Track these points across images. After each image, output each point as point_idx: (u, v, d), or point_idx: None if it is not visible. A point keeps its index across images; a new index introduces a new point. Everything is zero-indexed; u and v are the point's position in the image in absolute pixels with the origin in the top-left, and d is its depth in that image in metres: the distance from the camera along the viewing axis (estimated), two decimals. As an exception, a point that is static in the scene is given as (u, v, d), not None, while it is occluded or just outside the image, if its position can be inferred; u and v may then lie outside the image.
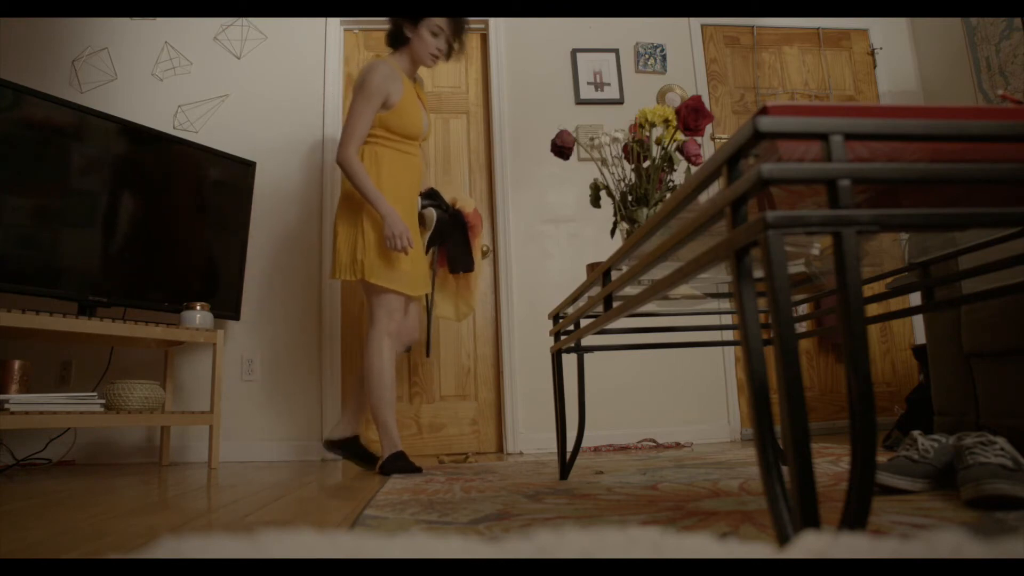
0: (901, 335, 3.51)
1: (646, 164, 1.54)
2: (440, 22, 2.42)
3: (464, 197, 2.68)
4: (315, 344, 3.11)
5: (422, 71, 3.48)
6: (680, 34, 3.59)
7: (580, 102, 3.45)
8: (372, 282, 2.24)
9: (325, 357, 3.09)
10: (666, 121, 1.51)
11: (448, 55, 2.51)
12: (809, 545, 0.45)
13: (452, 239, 2.59)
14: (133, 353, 3.00)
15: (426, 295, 2.58)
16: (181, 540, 0.46)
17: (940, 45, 3.60)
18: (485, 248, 3.31)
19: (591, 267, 1.58)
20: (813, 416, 3.36)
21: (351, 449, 2.40)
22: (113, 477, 2.27)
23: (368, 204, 2.25)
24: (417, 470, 2.14)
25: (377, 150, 2.32)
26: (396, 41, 2.47)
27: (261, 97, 3.30)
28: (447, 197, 2.64)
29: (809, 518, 0.58)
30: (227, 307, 2.91)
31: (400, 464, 2.16)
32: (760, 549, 0.46)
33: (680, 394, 3.22)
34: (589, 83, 3.47)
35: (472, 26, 3.52)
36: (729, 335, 3.12)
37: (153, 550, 0.45)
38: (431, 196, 2.57)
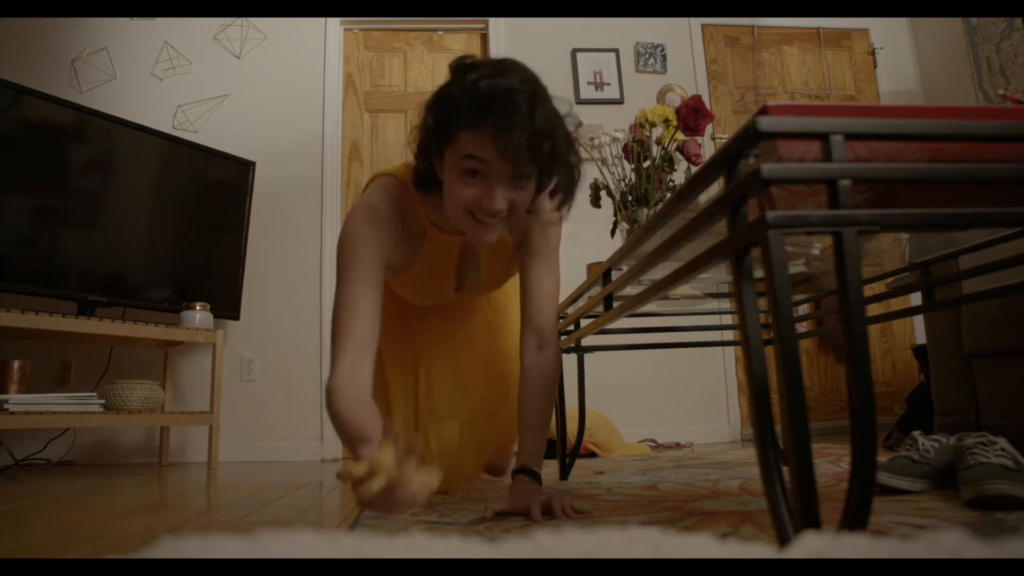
0: (901, 335, 3.51)
1: (646, 164, 1.54)
2: (478, 138, 1.06)
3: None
4: (315, 344, 3.11)
5: (423, 70, 3.47)
6: (680, 34, 3.59)
7: (580, 102, 3.45)
8: None
9: (325, 357, 3.09)
10: (666, 121, 1.51)
11: (519, 207, 1.15)
12: (809, 545, 0.45)
13: None
14: (133, 353, 2.99)
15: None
16: (181, 540, 0.46)
17: (940, 45, 3.59)
18: None
19: (591, 267, 1.58)
20: (813, 416, 3.36)
21: None
22: (113, 477, 2.27)
23: None
24: None
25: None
26: (424, 183, 1.29)
27: (261, 97, 3.30)
28: None
29: (809, 518, 0.58)
30: (227, 307, 2.91)
31: None
32: (760, 549, 0.46)
33: (680, 394, 3.21)
34: (589, 83, 3.47)
35: (472, 26, 3.53)
36: (729, 335, 3.12)
37: (153, 550, 0.45)
38: None
